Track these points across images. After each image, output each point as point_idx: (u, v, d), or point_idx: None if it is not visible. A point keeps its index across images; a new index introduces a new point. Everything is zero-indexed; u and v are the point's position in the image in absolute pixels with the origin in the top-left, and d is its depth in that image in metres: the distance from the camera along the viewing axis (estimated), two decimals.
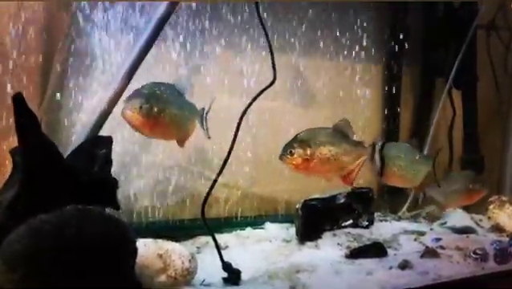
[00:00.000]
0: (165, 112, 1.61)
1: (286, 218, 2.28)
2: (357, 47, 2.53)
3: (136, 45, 1.85)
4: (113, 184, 1.43)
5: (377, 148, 1.78)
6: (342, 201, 2.16)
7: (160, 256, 1.55)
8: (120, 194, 1.50)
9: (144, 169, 2.08)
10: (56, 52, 1.90)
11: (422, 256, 1.90)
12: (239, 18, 2.20)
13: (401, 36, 2.67)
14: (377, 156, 1.79)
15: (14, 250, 1.14)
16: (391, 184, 2.20)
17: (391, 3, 2.64)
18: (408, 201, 2.54)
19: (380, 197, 2.52)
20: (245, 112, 1.72)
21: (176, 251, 1.58)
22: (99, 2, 1.93)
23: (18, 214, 1.22)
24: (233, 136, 1.69)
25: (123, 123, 1.59)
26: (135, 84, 1.74)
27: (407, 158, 1.96)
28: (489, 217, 2.46)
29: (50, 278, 1.12)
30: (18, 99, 1.27)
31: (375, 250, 1.92)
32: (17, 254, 1.13)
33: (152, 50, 1.87)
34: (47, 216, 1.18)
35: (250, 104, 1.73)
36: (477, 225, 2.39)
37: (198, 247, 1.95)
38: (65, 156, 1.45)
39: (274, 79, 1.77)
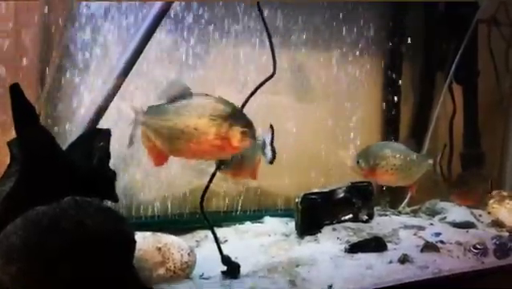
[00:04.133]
0: None
1: (285, 212, 2.28)
2: (357, 42, 2.52)
3: (133, 40, 1.84)
4: (111, 176, 1.43)
5: (267, 140, 1.76)
6: (341, 195, 2.15)
7: (159, 249, 1.55)
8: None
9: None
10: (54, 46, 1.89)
11: (422, 250, 1.90)
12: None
13: (402, 30, 2.66)
14: (268, 149, 1.76)
15: (10, 242, 1.13)
16: (382, 183, 2.25)
17: None
18: (409, 195, 2.54)
19: (380, 192, 2.51)
20: (244, 105, 1.72)
21: (175, 245, 1.58)
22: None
23: (16, 206, 1.21)
24: None
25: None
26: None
27: (400, 158, 2.03)
28: (489, 212, 2.45)
29: (48, 270, 1.12)
30: (16, 90, 1.26)
31: (375, 244, 1.91)
32: (14, 247, 1.13)
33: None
34: (45, 208, 1.18)
35: (249, 97, 1.72)
36: (477, 220, 2.38)
37: (197, 241, 1.95)
38: (63, 148, 1.44)
39: (274, 71, 1.77)
